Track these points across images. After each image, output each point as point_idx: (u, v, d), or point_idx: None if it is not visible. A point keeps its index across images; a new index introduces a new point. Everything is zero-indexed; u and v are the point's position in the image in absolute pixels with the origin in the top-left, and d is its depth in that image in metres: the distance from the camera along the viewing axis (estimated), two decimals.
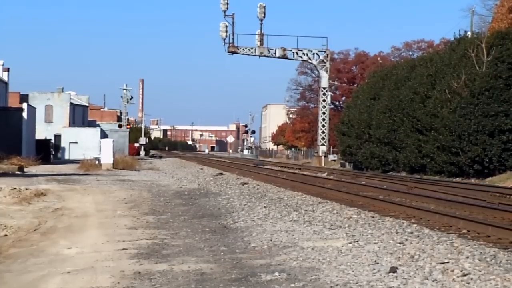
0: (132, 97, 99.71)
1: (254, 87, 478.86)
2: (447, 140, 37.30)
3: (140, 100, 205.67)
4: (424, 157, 40.44)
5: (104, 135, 77.00)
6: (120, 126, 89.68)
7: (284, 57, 68.10)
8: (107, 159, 45.83)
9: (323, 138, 68.58)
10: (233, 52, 67.01)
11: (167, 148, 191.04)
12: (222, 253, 11.31)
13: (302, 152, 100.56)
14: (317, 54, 68.22)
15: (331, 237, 12.81)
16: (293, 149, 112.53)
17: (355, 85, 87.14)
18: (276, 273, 9.46)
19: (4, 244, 12.48)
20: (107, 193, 24.54)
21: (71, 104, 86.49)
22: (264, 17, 66.63)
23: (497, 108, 35.29)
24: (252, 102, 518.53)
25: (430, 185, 28.86)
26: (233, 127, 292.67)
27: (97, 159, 47.59)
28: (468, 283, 8.68)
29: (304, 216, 16.31)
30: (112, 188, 27.14)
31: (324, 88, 69.01)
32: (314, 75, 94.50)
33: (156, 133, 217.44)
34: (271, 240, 12.52)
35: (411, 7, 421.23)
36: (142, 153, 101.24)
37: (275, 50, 67.02)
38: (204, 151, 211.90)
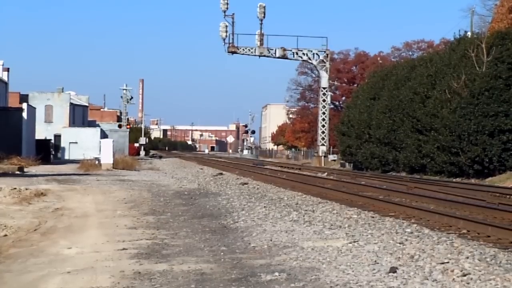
0: (132, 97, 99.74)
1: (254, 87, 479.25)
2: (447, 140, 37.30)
3: (140, 100, 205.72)
4: (424, 157, 40.45)
5: (104, 135, 77.00)
6: (120, 126, 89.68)
7: (284, 57, 68.10)
8: (107, 159, 45.83)
9: (323, 138, 68.57)
10: (233, 52, 67.01)
11: (167, 148, 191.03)
12: (222, 253, 11.31)
13: (302, 152, 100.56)
14: (317, 54, 68.21)
15: (331, 237, 12.81)
16: (293, 149, 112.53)
17: (355, 85, 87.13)
18: (276, 273, 9.46)
19: (4, 244, 12.48)
20: (107, 193, 24.54)
21: (71, 104, 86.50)
22: (264, 17, 66.66)
23: (497, 108, 35.29)
24: (252, 102, 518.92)
25: (430, 185, 28.86)
26: (233, 127, 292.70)
27: (97, 159, 47.60)
28: (468, 283, 8.68)
29: (304, 216, 16.31)
30: (112, 188, 27.14)
31: (324, 88, 69.01)
32: (314, 75, 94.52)
33: (156, 133, 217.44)
34: (271, 240, 12.53)
35: (411, 7, 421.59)
36: (142, 153, 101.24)
37: (275, 50, 67.02)
38: (204, 151, 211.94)
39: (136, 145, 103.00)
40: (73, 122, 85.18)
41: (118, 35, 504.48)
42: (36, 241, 13.04)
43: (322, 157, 67.50)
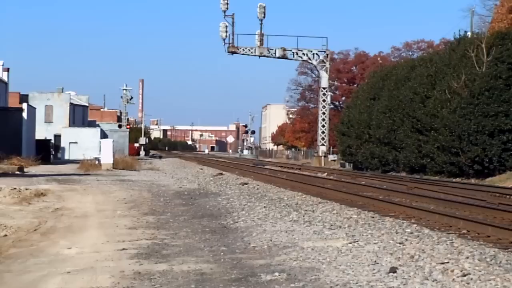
0: (132, 97, 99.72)
1: (254, 87, 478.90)
2: (447, 140, 37.30)
3: (140, 100, 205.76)
4: (424, 157, 40.45)
5: (104, 135, 77.00)
6: (120, 126, 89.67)
7: (284, 57, 68.10)
8: (107, 159, 45.84)
9: (323, 138, 68.59)
10: (233, 52, 67.01)
11: (167, 148, 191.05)
12: (222, 253, 11.31)
13: (302, 152, 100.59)
14: (317, 54, 68.22)
15: (331, 237, 12.81)
16: (293, 149, 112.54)
17: (355, 85, 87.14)
18: (276, 273, 9.46)
19: (4, 244, 12.48)
20: (107, 193, 24.55)
21: (71, 104, 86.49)
22: (264, 17, 66.65)
23: (497, 108, 35.29)
24: (252, 102, 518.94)
25: (430, 185, 28.86)
26: (233, 127, 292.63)
27: (97, 159, 47.61)
28: (468, 283, 8.68)
29: (304, 216, 16.31)
30: (112, 188, 27.14)
31: (324, 88, 69.02)
32: (314, 75, 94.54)
33: (156, 133, 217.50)
34: (271, 240, 12.53)
35: (411, 7, 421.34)
36: (142, 153, 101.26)
37: (275, 50, 67.02)
38: (204, 151, 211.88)
39: (136, 145, 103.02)
40: (73, 122, 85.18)
41: (118, 35, 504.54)
42: (36, 241, 13.04)
43: (322, 157, 67.51)
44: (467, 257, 10.32)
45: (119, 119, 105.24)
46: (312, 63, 71.23)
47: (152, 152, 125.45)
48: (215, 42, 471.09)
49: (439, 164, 38.74)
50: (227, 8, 66.17)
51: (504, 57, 36.26)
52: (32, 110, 62.87)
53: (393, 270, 9.43)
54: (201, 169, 50.15)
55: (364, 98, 52.99)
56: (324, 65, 68.34)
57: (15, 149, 49.35)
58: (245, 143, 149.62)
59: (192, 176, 38.76)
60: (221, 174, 40.09)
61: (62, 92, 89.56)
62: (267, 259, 10.70)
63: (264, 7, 66.58)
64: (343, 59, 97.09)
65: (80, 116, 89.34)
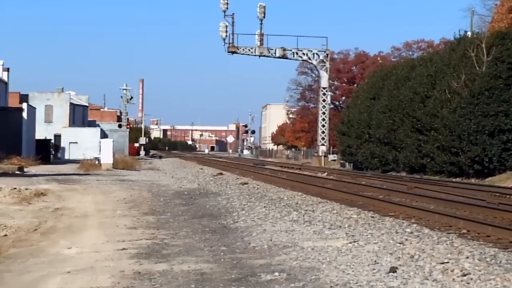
0: (132, 97, 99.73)
1: (254, 87, 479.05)
2: (447, 140, 37.30)
3: (140, 100, 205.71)
4: (424, 157, 40.46)
5: (104, 135, 76.99)
6: (120, 126, 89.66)
7: (284, 57, 68.11)
8: (107, 159, 45.84)
9: (323, 138, 68.59)
10: (233, 52, 67.02)
11: (167, 148, 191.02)
12: (222, 253, 11.31)
13: (302, 152, 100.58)
14: (317, 54, 68.23)
15: (331, 237, 12.81)
16: (293, 149, 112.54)
17: (355, 85, 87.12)
18: (276, 273, 9.46)
19: (4, 244, 12.48)
20: (107, 193, 24.55)
21: (71, 104, 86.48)
22: (264, 17, 66.67)
23: (497, 108, 35.29)
24: (252, 102, 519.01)
25: (430, 185, 28.86)
26: (233, 127, 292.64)
27: (97, 159, 47.61)
28: (468, 283, 8.68)
29: (304, 216, 16.31)
30: (112, 188, 27.14)
31: (324, 88, 69.02)
32: (314, 75, 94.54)
33: (156, 133, 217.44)
34: (271, 240, 12.52)
35: (411, 7, 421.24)
36: (142, 153, 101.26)
37: (275, 50, 67.03)
38: (204, 151, 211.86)
39: (136, 145, 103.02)
40: (73, 122, 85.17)
41: (118, 35, 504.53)
42: (36, 241, 13.04)
43: (322, 157, 67.52)
44: (467, 257, 10.32)
45: (119, 119, 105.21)
46: (312, 63, 71.24)
47: (152, 152, 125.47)
48: (215, 42, 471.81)
49: (439, 164, 38.73)
50: (227, 8, 66.18)
51: (504, 57, 36.26)
52: (32, 110, 62.87)
53: (393, 270, 9.43)
54: (201, 169, 50.15)
55: (364, 98, 53.00)
56: (324, 65, 68.34)
57: (15, 149, 49.35)
58: (245, 143, 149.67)
59: (192, 176, 38.76)
60: (221, 174, 40.09)
61: (62, 92, 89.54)
62: (267, 259, 10.70)
63: (264, 7, 66.60)
64: (343, 59, 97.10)
65: (80, 116, 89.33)
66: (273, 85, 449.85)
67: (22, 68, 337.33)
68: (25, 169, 40.98)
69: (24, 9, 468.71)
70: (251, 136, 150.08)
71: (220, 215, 17.21)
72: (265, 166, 57.37)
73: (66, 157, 73.90)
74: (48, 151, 62.07)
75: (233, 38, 66.73)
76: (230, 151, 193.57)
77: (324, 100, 68.93)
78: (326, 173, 44.32)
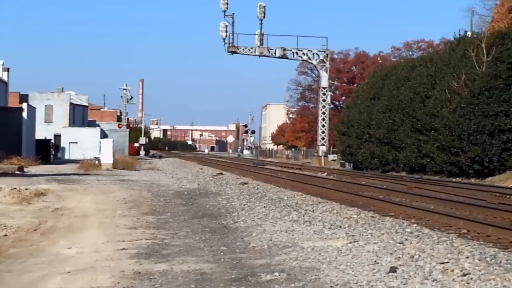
0: (132, 97, 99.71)
1: (254, 87, 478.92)
2: (447, 140, 37.30)
3: (140, 100, 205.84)
4: (424, 157, 40.46)
5: (104, 135, 76.98)
6: (119, 126, 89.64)
7: (284, 57, 68.12)
8: (107, 159, 45.84)
9: (323, 138, 68.59)
10: (233, 52, 67.03)
11: (167, 148, 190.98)
12: (222, 253, 11.31)
13: (302, 152, 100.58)
14: (317, 54, 68.23)
15: (331, 237, 12.81)
16: (293, 149, 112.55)
17: (355, 85, 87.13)
18: (276, 273, 9.46)
19: (4, 244, 12.47)
20: (107, 193, 24.54)
21: (71, 104, 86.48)
22: (264, 17, 66.69)
23: (497, 108, 35.30)
24: (252, 102, 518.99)
25: (430, 185, 28.86)
26: (233, 127, 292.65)
27: (97, 159, 47.60)
28: (468, 283, 8.68)
29: (304, 216, 16.31)
30: (112, 188, 27.14)
31: (324, 88, 69.02)
32: (314, 75, 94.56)
33: (156, 133, 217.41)
34: (271, 240, 12.52)
35: (411, 7, 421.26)
36: (142, 153, 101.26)
37: (275, 50, 67.04)
38: (204, 151, 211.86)
39: (136, 145, 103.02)
40: (73, 122, 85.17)
41: (118, 35, 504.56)
42: (36, 241, 13.03)
43: (322, 157, 67.53)
44: (467, 257, 10.32)
45: (119, 119, 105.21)
46: (312, 63, 71.24)
47: (152, 152, 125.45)
48: (215, 42, 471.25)
49: (439, 164, 38.74)
50: (227, 8, 66.19)
51: (504, 56, 36.26)
52: (32, 110, 62.86)
53: (393, 270, 9.43)
54: (201, 169, 50.14)
55: (364, 98, 53.00)
56: (324, 65, 68.34)
57: (15, 149, 49.35)
58: (245, 143, 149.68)
59: (192, 176, 38.76)
60: (221, 174, 40.09)
61: (62, 92, 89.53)
62: (267, 259, 10.70)
63: (264, 7, 66.61)
64: (343, 59, 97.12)
65: (80, 116, 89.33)
66: (273, 85, 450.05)
67: (22, 68, 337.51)
68: (25, 169, 40.98)
69: (24, 9, 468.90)
70: (251, 136, 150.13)
71: (220, 215, 17.21)
72: (265, 166, 57.37)
73: (66, 157, 73.89)
74: (48, 151, 62.05)
75: (233, 38, 66.82)
76: (230, 151, 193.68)
77: (324, 100, 68.93)
78: (326, 173, 44.32)
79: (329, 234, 13.17)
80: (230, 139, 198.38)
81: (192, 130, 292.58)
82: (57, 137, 78.21)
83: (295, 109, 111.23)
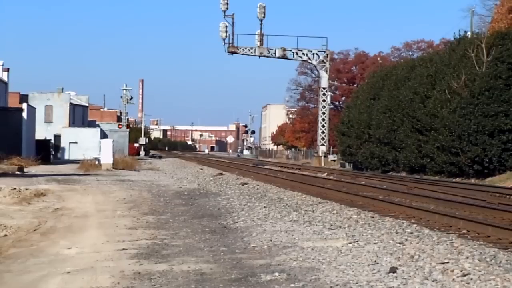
0: (132, 97, 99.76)
1: (254, 87, 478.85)
2: (447, 140, 37.31)
3: (140, 100, 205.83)
4: (424, 157, 40.46)
5: (104, 135, 76.99)
6: (119, 126, 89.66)
7: (284, 57, 68.13)
8: (107, 159, 45.84)
9: (323, 138, 68.59)
10: (233, 52, 67.04)
11: (167, 148, 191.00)
12: (222, 253, 11.31)
13: (302, 152, 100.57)
14: (317, 54, 68.24)
15: (331, 237, 12.81)
16: (293, 149, 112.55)
17: (355, 85, 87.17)
18: (276, 273, 9.46)
19: (4, 244, 12.48)
20: (107, 193, 24.54)
21: (71, 104, 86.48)
22: (264, 17, 66.69)
23: (497, 108, 35.30)
24: (252, 102, 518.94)
25: (430, 185, 28.86)
26: (233, 127, 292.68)
27: (97, 159, 47.60)
28: (468, 283, 8.68)
29: (304, 216, 16.32)
30: (112, 188, 27.14)
31: (324, 88, 69.03)
32: (314, 75, 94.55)
33: (156, 133, 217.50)
34: (271, 240, 12.53)
35: (411, 7, 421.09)
36: (142, 153, 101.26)
37: (275, 50, 67.04)
38: (204, 151, 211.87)
39: (136, 145, 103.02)
40: (73, 122, 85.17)
41: (118, 35, 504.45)
42: (36, 241, 13.04)
43: (322, 157, 67.52)
44: (467, 257, 10.32)
45: (119, 119, 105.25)
46: (312, 63, 71.24)
47: (152, 152, 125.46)
48: (215, 42, 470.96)
49: (439, 164, 38.74)
50: (227, 8, 66.20)
51: (504, 57, 36.27)
52: (32, 110, 62.86)
53: (393, 270, 9.43)
54: (201, 169, 50.15)
55: (364, 98, 53.01)
56: (324, 65, 68.35)
57: (15, 149, 49.35)
58: (245, 143, 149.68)
59: (192, 176, 38.76)
60: (221, 174, 40.09)
61: (62, 92, 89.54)
62: (267, 259, 10.70)
63: (264, 7, 66.62)
64: (343, 59, 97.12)
65: (80, 116, 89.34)
66: (273, 85, 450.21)
67: (22, 68, 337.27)
68: (25, 169, 40.98)
69: (24, 9, 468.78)
70: (251, 136, 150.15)
71: (220, 215, 17.21)
72: (265, 166, 57.37)
73: (66, 157, 73.90)
74: (48, 151, 62.05)
75: (233, 38, 66.82)
76: (230, 151, 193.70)
77: (324, 100, 68.93)
78: (326, 173, 44.32)
79: (329, 234, 13.17)
80: (230, 139, 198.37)
81: (192, 130, 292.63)
82: (57, 137, 78.21)
83: (295, 109, 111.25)
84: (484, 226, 13.90)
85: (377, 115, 47.92)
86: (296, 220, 15.54)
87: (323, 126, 68.83)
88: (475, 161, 35.63)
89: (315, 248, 11.51)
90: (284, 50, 67.20)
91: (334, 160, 66.23)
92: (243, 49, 67.14)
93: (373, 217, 16.09)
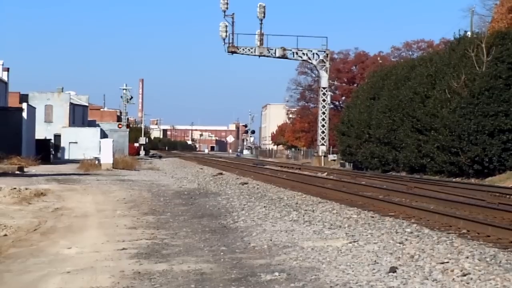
0: (132, 97, 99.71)
1: (254, 87, 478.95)
2: (447, 140, 37.30)
3: (140, 100, 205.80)
4: (424, 157, 40.46)
5: (104, 135, 76.98)
6: (119, 126, 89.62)
7: (284, 57, 68.12)
8: (107, 159, 45.83)
9: (323, 138, 68.59)
10: (233, 52, 67.03)
11: (167, 148, 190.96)
12: (222, 253, 11.31)
13: (302, 152, 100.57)
14: (317, 54, 68.23)
15: (331, 237, 12.81)
16: (293, 149, 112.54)
17: (355, 85, 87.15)
18: (276, 273, 9.46)
19: (4, 244, 12.47)
20: (107, 193, 24.54)
21: (71, 104, 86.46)
22: (264, 17, 66.69)
23: (497, 108, 35.30)
24: (252, 102, 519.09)
25: (430, 185, 28.86)
26: (233, 127, 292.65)
27: (97, 159, 47.59)
28: (468, 283, 8.68)
29: (304, 216, 16.31)
30: (112, 188, 27.14)
31: (324, 88, 69.02)
32: (314, 75, 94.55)
33: (156, 133, 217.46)
34: (271, 240, 12.52)
35: (411, 7, 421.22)
36: (142, 153, 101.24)
37: (275, 50, 67.04)
38: (204, 151, 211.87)
39: (136, 145, 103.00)
40: (73, 122, 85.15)
41: (118, 35, 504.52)
42: (36, 241, 13.03)
43: (322, 157, 67.53)
44: (467, 257, 10.32)
45: (119, 119, 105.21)
46: (312, 63, 71.24)
47: (152, 152, 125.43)
48: (215, 42, 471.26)
49: (439, 164, 38.74)
50: (227, 8, 66.19)
51: (504, 56, 36.27)
52: (32, 110, 62.85)
53: (393, 270, 9.42)
54: (201, 169, 50.14)
55: (364, 98, 53.00)
56: (324, 65, 68.34)
57: (15, 149, 49.34)
58: (245, 143, 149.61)
59: (192, 176, 38.76)
60: (221, 174, 40.08)
61: (62, 92, 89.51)
62: (267, 259, 10.70)
63: (264, 7, 66.61)
64: (343, 59, 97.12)
65: (80, 116, 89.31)
66: (273, 85, 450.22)
67: (22, 68, 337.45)
68: (25, 169, 40.97)
69: (24, 9, 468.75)
70: (251, 136, 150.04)
71: (220, 215, 17.21)
72: (265, 166, 57.37)
73: (66, 157, 73.88)
74: (48, 151, 62.05)
75: (233, 38, 66.82)
76: (230, 151, 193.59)
77: (324, 100, 68.93)
78: (326, 173, 44.32)
79: (329, 234, 13.17)
80: (230, 139, 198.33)
81: (192, 130, 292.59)
82: (57, 137, 78.19)
83: (295, 109, 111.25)
84: (484, 226, 13.90)
85: (377, 115, 47.91)
86: (296, 220, 15.54)
87: (323, 126, 68.82)
88: (475, 161, 35.63)
89: (315, 248, 11.51)
90: (284, 49, 67.19)
91: (334, 160, 66.23)
92: (243, 49, 67.13)
93: (373, 217, 16.08)
